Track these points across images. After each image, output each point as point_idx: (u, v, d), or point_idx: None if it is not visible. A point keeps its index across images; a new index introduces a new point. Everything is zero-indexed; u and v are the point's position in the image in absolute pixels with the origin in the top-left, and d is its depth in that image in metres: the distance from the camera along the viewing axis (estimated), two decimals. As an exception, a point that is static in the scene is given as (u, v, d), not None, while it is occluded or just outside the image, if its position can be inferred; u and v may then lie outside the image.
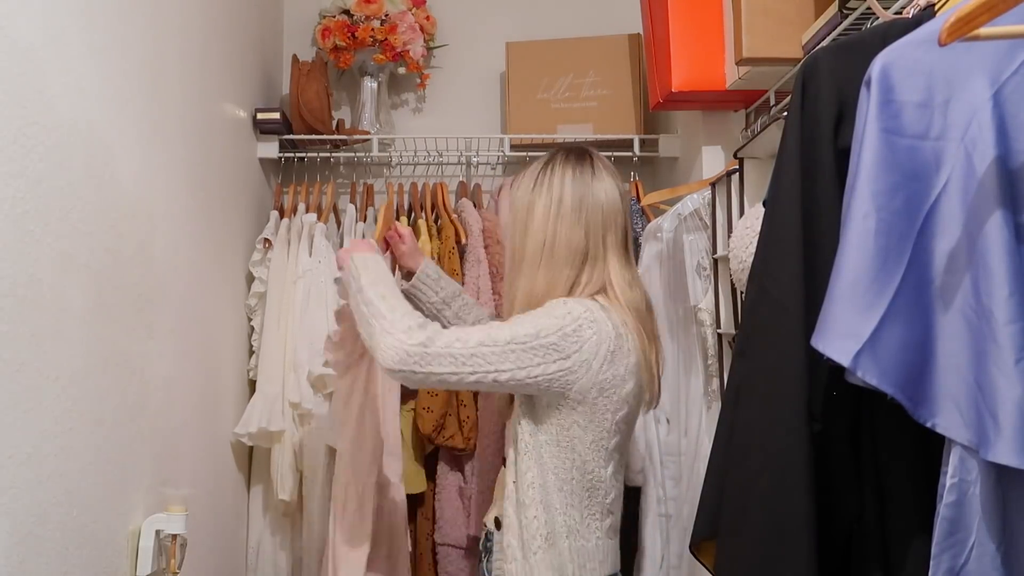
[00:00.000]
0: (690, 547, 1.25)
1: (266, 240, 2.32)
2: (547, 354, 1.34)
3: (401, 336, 1.32)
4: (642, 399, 1.47)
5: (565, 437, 1.38)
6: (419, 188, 2.51)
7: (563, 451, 1.38)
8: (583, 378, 1.35)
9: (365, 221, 2.42)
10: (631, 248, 1.51)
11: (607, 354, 1.37)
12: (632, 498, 2.12)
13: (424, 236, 2.36)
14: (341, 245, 2.35)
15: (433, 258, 2.26)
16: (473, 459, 2.28)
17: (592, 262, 1.45)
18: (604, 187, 1.47)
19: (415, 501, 2.30)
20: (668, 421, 2.01)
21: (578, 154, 1.50)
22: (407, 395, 2.23)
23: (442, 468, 2.31)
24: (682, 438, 1.99)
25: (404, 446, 2.27)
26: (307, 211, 2.38)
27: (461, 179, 2.68)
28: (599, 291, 1.45)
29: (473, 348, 1.32)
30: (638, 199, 2.45)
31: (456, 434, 2.24)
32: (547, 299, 1.42)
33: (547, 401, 1.38)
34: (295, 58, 2.57)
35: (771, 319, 1.08)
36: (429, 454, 2.33)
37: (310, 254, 2.29)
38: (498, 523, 1.48)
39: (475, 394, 2.25)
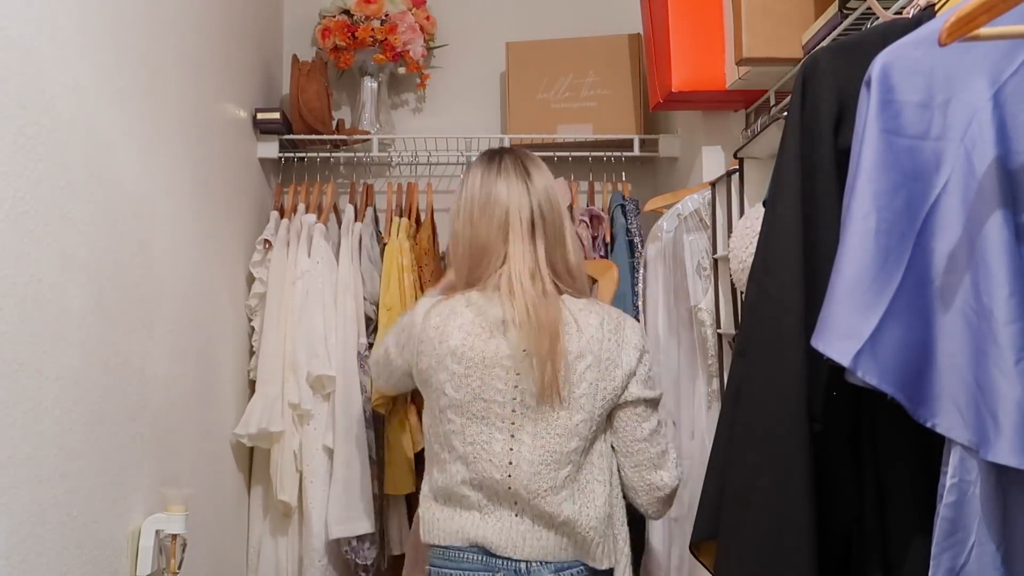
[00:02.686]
0: (690, 547, 1.25)
1: (266, 241, 2.32)
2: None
3: None
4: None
5: None
6: (403, 189, 2.51)
7: None
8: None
9: (363, 221, 2.41)
10: (539, 238, 1.52)
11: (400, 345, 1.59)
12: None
13: (403, 234, 2.36)
14: (339, 245, 2.35)
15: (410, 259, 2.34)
16: None
17: (490, 256, 1.52)
18: (505, 185, 1.53)
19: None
20: (674, 424, 2.01)
21: (488, 155, 1.61)
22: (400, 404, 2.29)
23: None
24: (688, 440, 1.98)
25: (389, 449, 2.29)
26: (307, 211, 2.38)
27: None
28: (480, 284, 1.53)
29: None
30: (624, 197, 2.45)
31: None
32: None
33: None
34: (295, 58, 2.57)
35: (771, 319, 1.08)
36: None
37: (309, 255, 2.29)
38: None
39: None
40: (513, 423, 1.46)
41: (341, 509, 2.18)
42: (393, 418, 2.29)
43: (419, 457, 2.30)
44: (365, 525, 2.19)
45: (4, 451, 1.10)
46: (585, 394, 1.45)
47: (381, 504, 2.31)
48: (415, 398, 2.34)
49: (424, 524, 1.52)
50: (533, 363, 1.45)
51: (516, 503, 1.45)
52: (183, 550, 1.55)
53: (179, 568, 1.53)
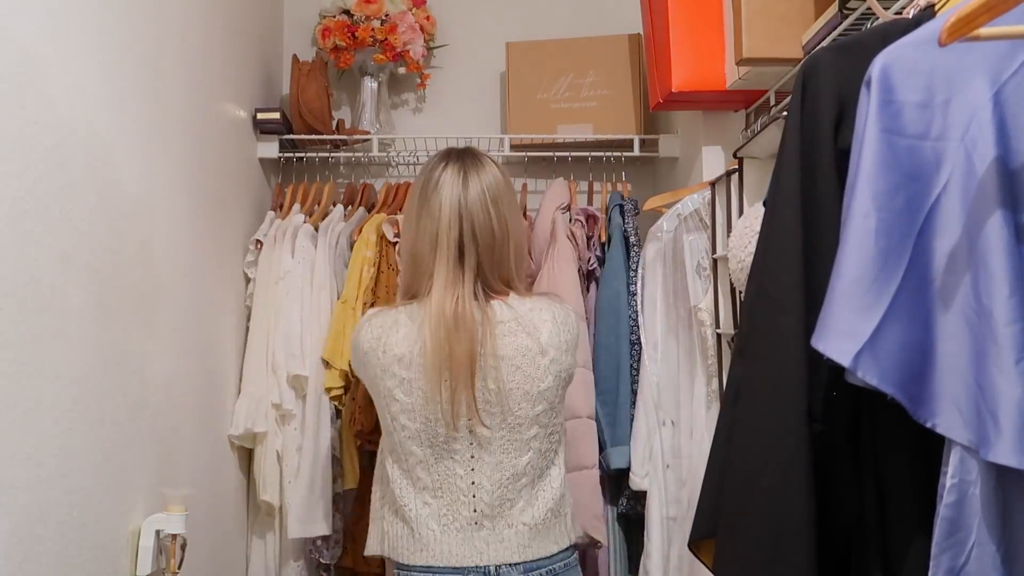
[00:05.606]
0: (689, 545, 1.25)
1: (257, 241, 2.31)
2: None
3: None
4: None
5: None
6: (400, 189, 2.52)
7: None
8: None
9: (348, 220, 2.40)
10: (466, 259, 1.54)
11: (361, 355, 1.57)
12: (638, 501, 2.12)
13: (373, 228, 2.32)
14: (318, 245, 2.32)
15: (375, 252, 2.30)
16: None
17: (422, 271, 1.57)
18: (439, 199, 1.55)
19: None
20: (673, 423, 2.01)
21: (437, 160, 1.62)
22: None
23: None
24: (687, 440, 1.98)
25: (343, 442, 2.24)
26: (303, 211, 2.37)
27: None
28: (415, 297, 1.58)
29: None
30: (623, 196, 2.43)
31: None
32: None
33: None
34: (295, 58, 2.57)
35: (771, 319, 1.08)
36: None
37: (292, 255, 2.26)
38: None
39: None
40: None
41: (303, 510, 2.16)
42: (345, 410, 2.24)
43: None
44: (321, 527, 2.16)
45: (4, 451, 1.10)
46: (550, 387, 1.55)
47: (344, 500, 2.26)
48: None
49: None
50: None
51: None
52: (183, 550, 1.55)
53: (179, 568, 1.53)
